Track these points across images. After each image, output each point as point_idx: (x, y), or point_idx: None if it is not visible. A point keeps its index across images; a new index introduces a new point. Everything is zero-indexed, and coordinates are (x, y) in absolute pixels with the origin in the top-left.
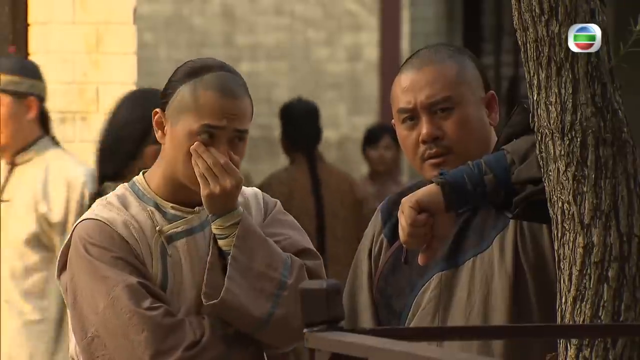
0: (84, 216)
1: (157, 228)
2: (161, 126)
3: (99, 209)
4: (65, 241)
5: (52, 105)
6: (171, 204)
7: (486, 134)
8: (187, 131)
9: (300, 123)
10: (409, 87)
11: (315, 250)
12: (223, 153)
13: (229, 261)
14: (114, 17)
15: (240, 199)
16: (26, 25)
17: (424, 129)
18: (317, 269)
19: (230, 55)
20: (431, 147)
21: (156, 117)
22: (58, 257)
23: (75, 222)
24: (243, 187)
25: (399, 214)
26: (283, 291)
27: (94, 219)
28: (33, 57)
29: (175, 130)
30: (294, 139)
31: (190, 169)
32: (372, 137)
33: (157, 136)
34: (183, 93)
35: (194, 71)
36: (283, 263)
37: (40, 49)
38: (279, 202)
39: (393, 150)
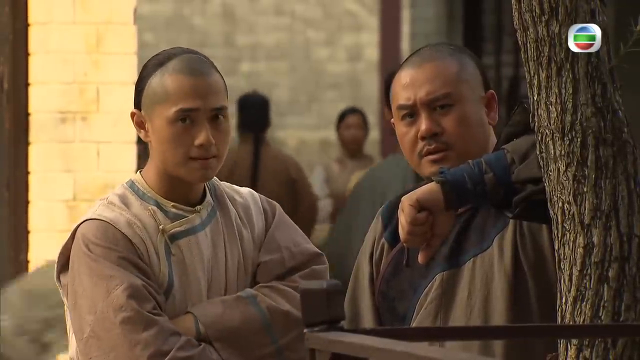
0: (85, 216)
1: (161, 227)
2: (142, 125)
3: (101, 209)
4: (65, 241)
5: (52, 105)
6: (172, 203)
7: (485, 132)
8: (165, 120)
9: (252, 111)
10: (409, 84)
11: (321, 252)
12: (205, 135)
13: None
14: (114, 17)
15: (239, 198)
16: (26, 25)
17: (423, 125)
18: (323, 272)
19: (231, 55)
20: (430, 143)
21: (135, 117)
22: (57, 258)
23: None
24: (237, 187)
25: (399, 212)
26: (284, 353)
27: (97, 219)
28: (33, 57)
29: (154, 124)
30: (246, 124)
31: (178, 156)
32: (340, 117)
33: (141, 136)
34: (152, 85)
35: (158, 62)
36: (263, 328)
37: (40, 49)
38: (278, 205)
39: (361, 129)
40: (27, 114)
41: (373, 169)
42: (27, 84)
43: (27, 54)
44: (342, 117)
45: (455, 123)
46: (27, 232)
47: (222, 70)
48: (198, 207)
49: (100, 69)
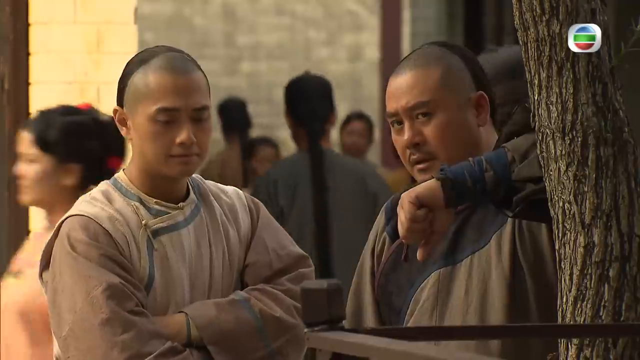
0: (68, 213)
1: (143, 222)
2: (124, 122)
3: (83, 205)
4: (49, 238)
5: (53, 105)
6: (155, 200)
7: (473, 136)
8: (146, 118)
9: (234, 114)
10: (393, 93)
11: (306, 254)
12: (186, 134)
13: None
14: (114, 16)
15: (224, 197)
16: (27, 25)
17: (405, 134)
18: (309, 275)
19: (231, 55)
20: (414, 152)
21: (117, 114)
22: (40, 256)
23: None
24: (222, 186)
25: (399, 209)
26: (276, 358)
27: (78, 215)
28: (34, 57)
29: (136, 121)
30: (230, 126)
31: (159, 154)
32: (345, 121)
33: (122, 133)
34: (134, 82)
35: (141, 60)
36: (257, 332)
37: (41, 48)
38: (262, 204)
39: (364, 137)
40: (27, 114)
41: (269, 170)
42: (27, 84)
43: (27, 54)
44: (347, 120)
45: (436, 131)
46: (27, 232)
47: (223, 70)
48: (181, 204)
49: (101, 68)
